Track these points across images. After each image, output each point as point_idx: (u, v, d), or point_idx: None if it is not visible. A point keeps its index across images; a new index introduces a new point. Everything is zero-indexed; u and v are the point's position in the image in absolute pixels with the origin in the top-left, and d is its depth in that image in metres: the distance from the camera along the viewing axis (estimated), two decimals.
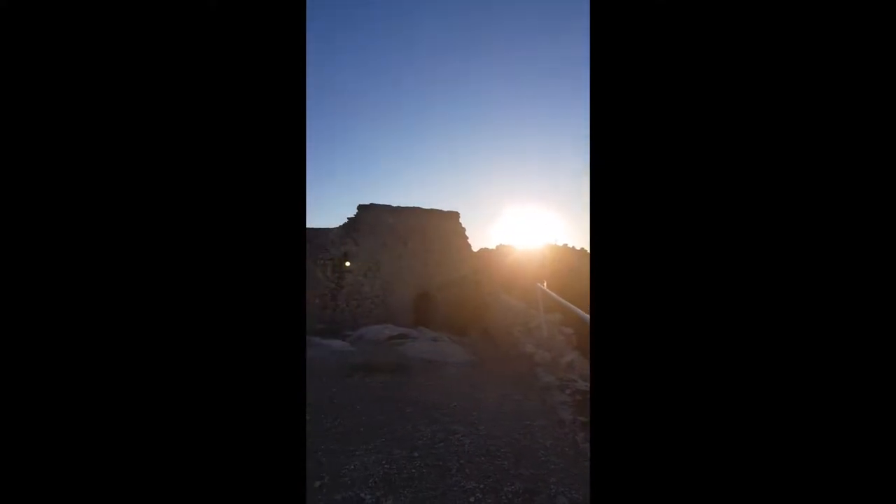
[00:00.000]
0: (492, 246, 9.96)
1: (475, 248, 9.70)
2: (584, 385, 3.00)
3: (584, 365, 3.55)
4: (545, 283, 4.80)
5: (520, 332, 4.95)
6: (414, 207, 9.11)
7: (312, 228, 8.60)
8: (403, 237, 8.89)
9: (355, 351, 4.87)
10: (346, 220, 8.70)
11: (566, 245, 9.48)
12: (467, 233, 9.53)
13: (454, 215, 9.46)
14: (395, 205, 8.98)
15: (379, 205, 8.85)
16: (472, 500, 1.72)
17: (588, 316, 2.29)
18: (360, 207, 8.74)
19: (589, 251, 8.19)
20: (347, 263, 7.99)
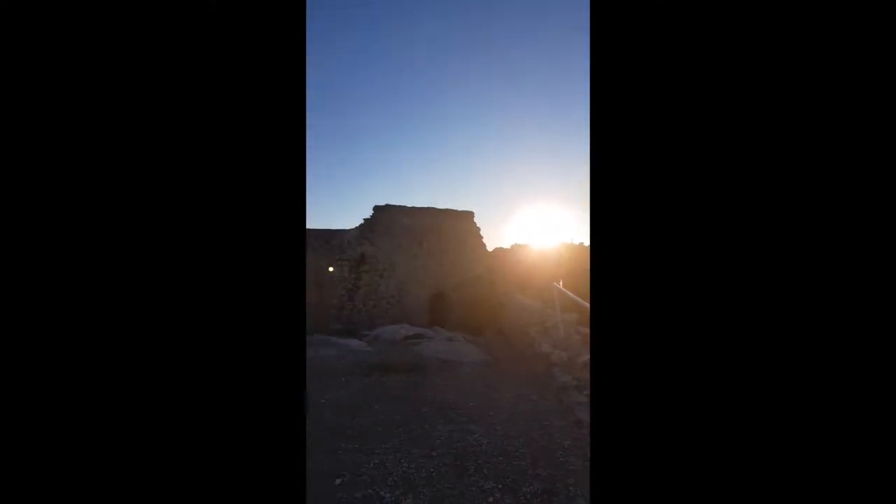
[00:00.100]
0: (507, 245, 9.93)
1: (490, 248, 9.69)
2: None
3: None
4: (561, 283, 4.76)
5: (536, 331, 4.93)
6: (429, 208, 9.14)
7: (329, 230, 8.72)
8: (418, 237, 8.94)
9: (372, 351, 4.93)
10: (362, 221, 8.80)
11: (582, 244, 9.36)
12: (482, 232, 9.53)
13: (469, 215, 9.45)
14: (410, 205, 9.03)
15: (394, 205, 8.91)
16: (490, 499, 1.73)
17: None
18: (376, 208, 8.82)
19: None
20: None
